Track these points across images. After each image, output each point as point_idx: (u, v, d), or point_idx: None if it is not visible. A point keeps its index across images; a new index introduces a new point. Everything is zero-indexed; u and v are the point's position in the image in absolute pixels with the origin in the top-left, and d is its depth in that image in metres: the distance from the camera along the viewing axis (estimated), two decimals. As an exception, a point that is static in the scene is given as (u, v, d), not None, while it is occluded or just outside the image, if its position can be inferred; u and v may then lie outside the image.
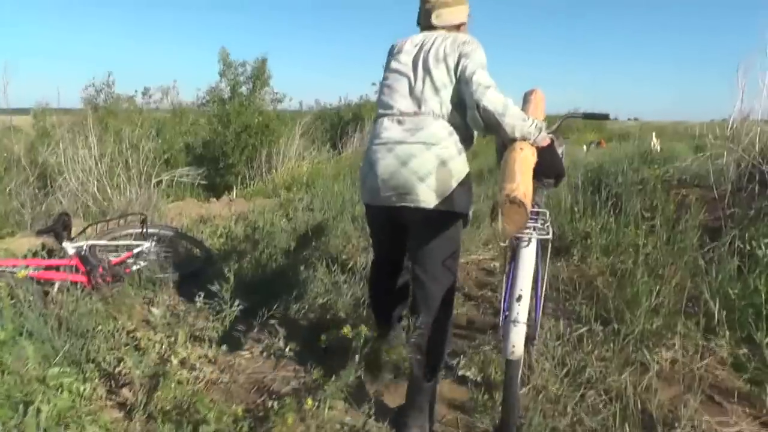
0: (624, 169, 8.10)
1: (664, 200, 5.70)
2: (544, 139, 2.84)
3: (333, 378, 2.86)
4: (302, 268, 4.73)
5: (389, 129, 2.84)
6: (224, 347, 3.53)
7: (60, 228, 4.51)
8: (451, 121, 2.84)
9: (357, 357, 2.78)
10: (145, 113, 17.95)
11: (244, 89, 14.68)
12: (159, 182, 8.06)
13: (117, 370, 3.17)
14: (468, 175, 2.88)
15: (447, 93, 2.83)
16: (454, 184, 2.76)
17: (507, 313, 2.55)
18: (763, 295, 3.63)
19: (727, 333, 3.57)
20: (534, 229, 2.69)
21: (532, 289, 2.64)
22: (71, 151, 7.93)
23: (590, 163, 10.84)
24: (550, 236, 2.72)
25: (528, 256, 2.62)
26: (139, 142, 8.85)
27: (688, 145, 16.07)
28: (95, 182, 7.51)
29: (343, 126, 17.23)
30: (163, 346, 3.42)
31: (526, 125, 2.74)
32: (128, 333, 3.67)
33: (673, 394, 3.10)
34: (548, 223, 2.77)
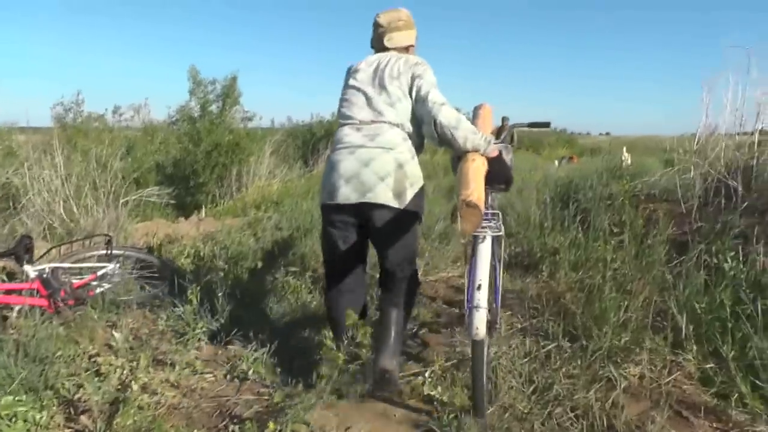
0: (593, 184, 8.16)
1: (632, 215, 5.73)
2: (493, 150, 3.22)
3: (296, 401, 2.81)
4: (269, 287, 4.69)
5: (350, 135, 3.19)
6: (187, 371, 3.47)
7: (21, 250, 4.41)
8: (405, 130, 3.21)
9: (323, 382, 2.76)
10: (115, 132, 17.78)
11: (214, 107, 14.59)
12: (127, 202, 7.92)
13: (76, 396, 3.09)
14: (420, 178, 3.23)
15: (401, 106, 3.21)
16: (408, 186, 3.11)
17: (470, 301, 2.84)
18: (728, 309, 3.66)
19: (695, 347, 3.59)
20: (489, 228, 3.04)
21: (492, 279, 3.06)
22: (37, 171, 7.81)
23: (560, 179, 10.94)
24: (502, 233, 3.13)
25: (485, 251, 2.95)
26: (108, 161, 8.74)
27: (659, 159, 16.29)
28: (61, 203, 7.38)
29: (314, 143, 17.22)
30: (125, 371, 3.36)
31: (476, 138, 3.11)
32: (89, 358, 3.59)
33: (640, 410, 3.10)
34: (500, 222, 3.15)
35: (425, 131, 3.23)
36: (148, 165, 14.63)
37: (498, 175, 3.30)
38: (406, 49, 3.49)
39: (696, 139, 6.59)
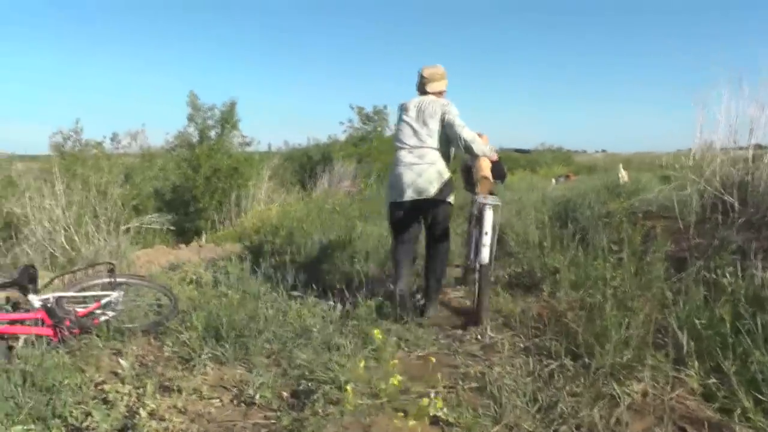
0: (591, 203, 8.22)
1: (630, 232, 5.76)
2: (493, 156, 5.22)
3: (304, 424, 2.83)
4: (272, 312, 4.70)
5: (406, 157, 5.00)
6: (194, 396, 3.48)
7: (25, 280, 4.44)
8: (440, 151, 5.02)
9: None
10: (113, 159, 17.86)
11: (212, 133, 14.61)
12: (128, 229, 7.96)
13: (84, 424, 3.10)
14: (451, 178, 5.07)
15: (437, 135, 4.99)
16: (444, 186, 4.96)
17: (478, 244, 4.74)
18: (728, 324, 3.69)
19: (696, 363, 3.59)
20: (492, 201, 4.77)
21: (493, 233, 4.73)
22: (38, 200, 7.85)
23: (558, 198, 11.00)
24: (500, 204, 4.91)
25: (489, 214, 4.67)
26: (107, 188, 8.80)
27: (655, 176, 16.35)
28: (63, 231, 7.42)
29: (312, 166, 17.23)
30: (132, 398, 3.38)
31: (485, 149, 5.08)
32: (96, 386, 3.61)
33: (644, 426, 3.11)
34: (498, 198, 4.93)
35: (454, 145, 5.07)
36: (147, 191, 14.67)
37: (498, 172, 5.27)
38: (439, 94, 5.19)
39: (691, 155, 6.64)
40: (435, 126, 4.93)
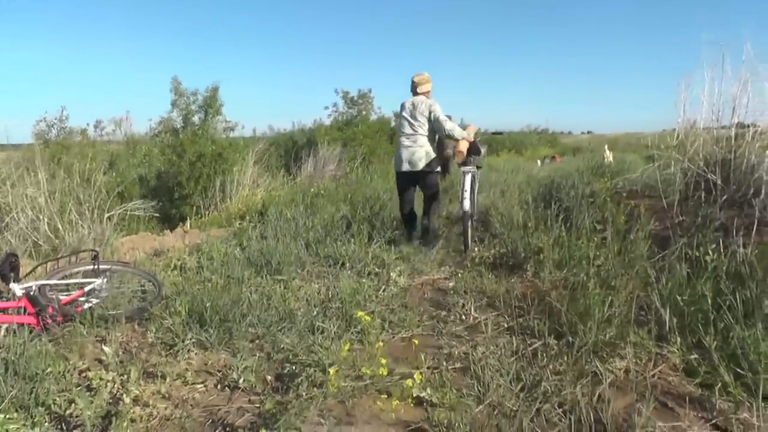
0: (575, 183, 8.23)
1: (614, 212, 5.78)
2: (470, 137, 6.92)
3: (288, 408, 2.83)
4: (256, 297, 4.69)
5: (404, 141, 6.84)
6: (178, 382, 3.48)
7: (7, 269, 4.41)
8: (427, 136, 6.82)
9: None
10: (97, 146, 17.70)
11: (196, 118, 14.44)
12: (112, 216, 7.88)
13: (68, 412, 3.11)
14: (435, 156, 6.86)
15: (425, 126, 6.79)
16: (430, 160, 6.78)
17: (462, 195, 6.64)
18: (710, 300, 3.72)
19: (678, 339, 3.64)
20: (469, 169, 6.83)
21: (471, 193, 6.85)
22: (20, 188, 7.77)
23: (543, 179, 11.03)
24: (477, 173, 7.24)
25: (469, 178, 6.73)
26: (91, 176, 8.71)
27: (640, 156, 16.40)
28: (46, 220, 7.34)
29: (297, 151, 17.12)
30: (116, 385, 3.39)
31: (462, 133, 6.87)
32: (80, 373, 3.61)
33: (626, 403, 3.14)
34: (476, 168, 7.16)
35: (438, 134, 6.95)
36: (131, 178, 14.55)
37: (474, 150, 7.09)
38: (426, 93, 6.99)
39: (675, 135, 6.66)
40: (423, 119, 6.82)
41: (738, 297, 3.68)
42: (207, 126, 14.41)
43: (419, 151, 6.75)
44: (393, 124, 20.25)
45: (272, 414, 3.00)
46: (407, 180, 7.06)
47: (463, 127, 7.22)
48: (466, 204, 6.68)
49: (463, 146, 6.86)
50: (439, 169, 7.19)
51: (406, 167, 6.85)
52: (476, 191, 7.30)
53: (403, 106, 7.02)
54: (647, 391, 3.15)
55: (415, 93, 6.99)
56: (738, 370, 3.20)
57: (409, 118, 6.85)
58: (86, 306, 4.56)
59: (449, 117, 7.07)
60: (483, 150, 7.54)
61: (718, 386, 3.15)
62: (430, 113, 6.77)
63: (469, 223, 6.74)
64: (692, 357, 3.51)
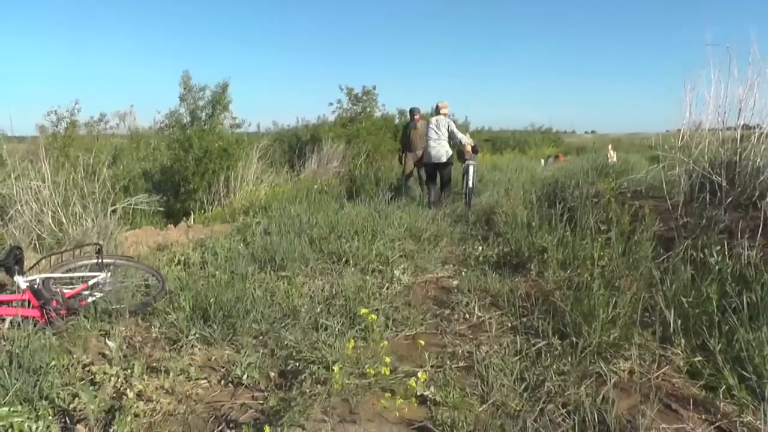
0: (579, 183, 8.23)
1: (619, 212, 5.77)
2: (470, 144, 11.19)
3: (291, 404, 2.83)
4: (260, 293, 4.69)
5: (432, 144, 10.52)
6: (181, 377, 3.48)
7: (11, 262, 4.40)
8: (448, 141, 10.57)
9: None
10: (102, 139, 17.68)
11: (203, 114, 14.39)
12: (116, 210, 7.87)
13: (71, 406, 3.11)
14: (452, 154, 10.69)
15: (445, 135, 10.55)
16: (450, 155, 10.62)
17: (466, 180, 10.85)
18: (714, 302, 3.71)
19: (683, 341, 3.63)
20: (471, 162, 10.98)
21: (470, 179, 10.82)
22: (24, 181, 7.75)
23: (547, 178, 11.12)
24: (476, 164, 11.49)
25: (472, 169, 10.85)
26: (96, 169, 8.69)
27: (644, 156, 16.37)
28: (50, 213, 7.33)
29: (301, 147, 17.07)
30: (119, 379, 3.39)
31: (469, 141, 11.21)
32: (84, 367, 3.60)
33: (630, 404, 3.13)
34: (475, 162, 11.38)
35: (451, 143, 10.55)
36: (136, 172, 14.52)
37: (474, 150, 11.21)
38: (446, 115, 10.74)
39: (680, 136, 6.64)
40: (444, 131, 10.42)
41: (743, 300, 3.67)
42: (215, 122, 14.37)
43: (441, 150, 10.37)
44: (397, 122, 20.18)
45: (276, 411, 3.00)
46: (433, 168, 10.62)
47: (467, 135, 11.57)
48: (470, 182, 10.66)
49: (469, 148, 10.98)
50: (453, 161, 10.87)
51: (434, 160, 10.43)
52: (476, 174, 11.20)
53: (429, 122, 10.71)
54: (651, 393, 3.13)
55: (438, 113, 10.79)
56: (743, 372, 3.19)
57: (435, 129, 10.46)
58: (90, 300, 4.57)
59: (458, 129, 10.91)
60: (477, 146, 12.00)
61: (723, 389, 3.15)
62: (448, 128, 10.45)
63: (470, 193, 10.67)
64: (696, 359, 3.50)
